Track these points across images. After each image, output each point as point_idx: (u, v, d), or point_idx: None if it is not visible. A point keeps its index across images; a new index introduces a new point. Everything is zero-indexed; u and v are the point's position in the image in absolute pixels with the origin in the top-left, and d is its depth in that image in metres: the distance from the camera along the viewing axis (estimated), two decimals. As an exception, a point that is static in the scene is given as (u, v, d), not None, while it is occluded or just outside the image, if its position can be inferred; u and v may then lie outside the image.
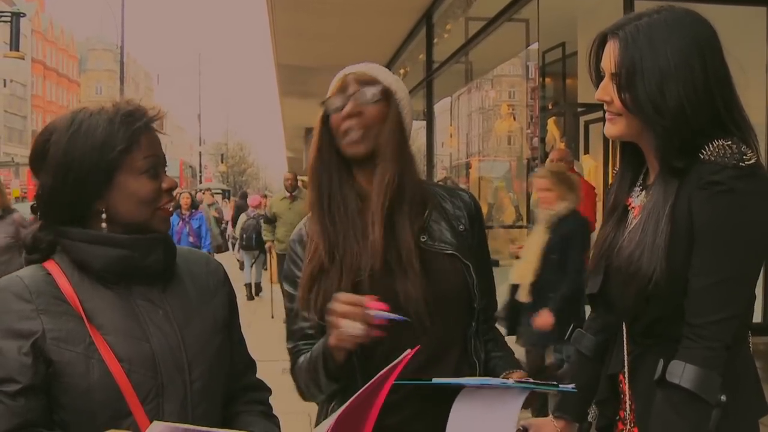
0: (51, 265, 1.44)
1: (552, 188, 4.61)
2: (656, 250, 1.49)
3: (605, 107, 1.61)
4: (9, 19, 16.57)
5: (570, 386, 1.55)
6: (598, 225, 6.45)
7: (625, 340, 1.65)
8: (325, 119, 1.69)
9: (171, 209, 1.50)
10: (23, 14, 17.30)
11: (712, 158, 1.46)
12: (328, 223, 1.66)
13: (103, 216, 1.44)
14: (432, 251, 1.66)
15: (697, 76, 1.49)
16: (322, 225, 1.66)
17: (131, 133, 1.42)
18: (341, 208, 1.67)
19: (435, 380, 1.49)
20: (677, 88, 1.48)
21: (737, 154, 1.44)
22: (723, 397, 1.45)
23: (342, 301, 1.46)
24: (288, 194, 9.76)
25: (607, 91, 1.58)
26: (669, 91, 1.49)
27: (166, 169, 1.52)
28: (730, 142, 1.47)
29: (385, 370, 1.36)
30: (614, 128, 1.60)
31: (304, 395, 1.73)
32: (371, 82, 1.67)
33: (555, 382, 1.57)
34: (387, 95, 1.67)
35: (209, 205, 15.09)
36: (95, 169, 1.41)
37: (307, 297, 1.63)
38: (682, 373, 1.44)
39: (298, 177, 10.15)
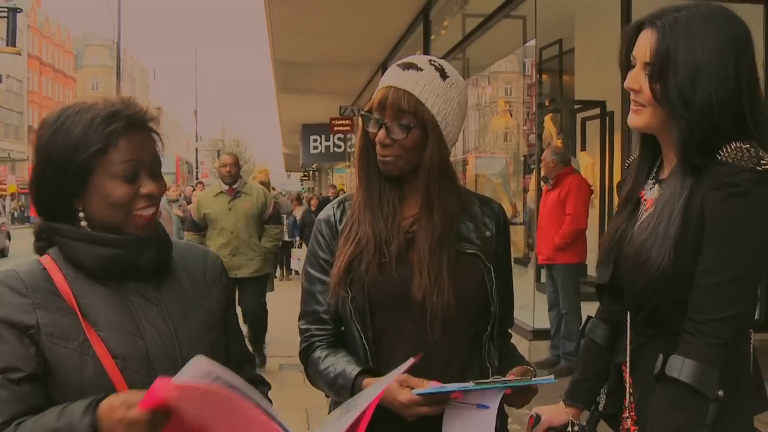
0: (47, 261, 1.44)
1: None
2: (667, 241, 1.51)
3: (631, 96, 1.60)
4: (5, 14, 16.53)
5: (549, 378, 1.56)
6: (592, 221, 6.48)
7: (628, 330, 1.67)
8: (363, 117, 1.71)
9: (150, 215, 1.46)
10: (20, 10, 17.26)
11: (729, 160, 1.48)
12: (375, 224, 1.70)
13: (81, 215, 1.44)
14: (455, 249, 1.69)
15: (729, 75, 1.50)
16: (374, 227, 1.70)
17: (107, 135, 1.39)
18: (386, 211, 1.71)
19: (419, 390, 1.52)
20: (709, 84, 1.49)
21: (754, 158, 1.46)
22: (720, 393, 1.47)
23: (424, 403, 1.52)
24: (226, 188, 6.50)
25: (636, 80, 1.57)
26: (700, 86, 1.49)
27: (162, 168, 1.50)
28: (748, 146, 1.48)
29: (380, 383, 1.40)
30: (638, 119, 1.60)
31: (314, 385, 1.79)
32: (410, 109, 1.63)
33: (530, 377, 1.60)
34: (424, 121, 1.65)
35: (172, 201, 11.87)
36: (70, 168, 1.40)
37: (345, 277, 1.68)
38: (681, 367, 1.47)
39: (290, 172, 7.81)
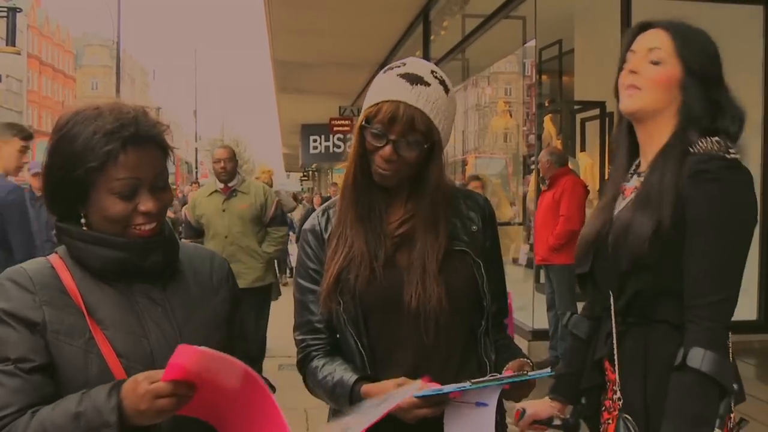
0: (55, 260, 1.46)
1: None
2: (670, 189, 1.58)
3: (628, 81, 1.68)
4: (5, 14, 16.54)
5: (545, 371, 1.58)
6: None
7: (613, 319, 1.70)
8: (362, 127, 1.65)
9: (149, 230, 1.45)
10: (20, 9, 17.26)
11: (700, 150, 1.59)
12: (364, 234, 1.68)
13: (83, 221, 1.45)
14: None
15: (718, 73, 1.69)
16: (363, 238, 1.68)
17: (105, 153, 1.38)
18: (374, 221, 1.70)
19: (418, 393, 1.52)
20: (712, 72, 1.66)
21: (723, 148, 1.60)
22: (735, 386, 1.53)
23: (422, 405, 1.51)
24: (221, 186, 5.64)
25: (637, 63, 1.67)
26: (709, 69, 1.66)
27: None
28: (717, 139, 1.62)
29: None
30: (633, 101, 1.68)
31: (313, 395, 1.79)
32: (423, 129, 1.61)
33: (526, 372, 1.61)
34: (432, 140, 1.63)
35: None
36: (69, 179, 1.41)
37: (334, 289, 1.67)
38: (702, 358, 1.51)
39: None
